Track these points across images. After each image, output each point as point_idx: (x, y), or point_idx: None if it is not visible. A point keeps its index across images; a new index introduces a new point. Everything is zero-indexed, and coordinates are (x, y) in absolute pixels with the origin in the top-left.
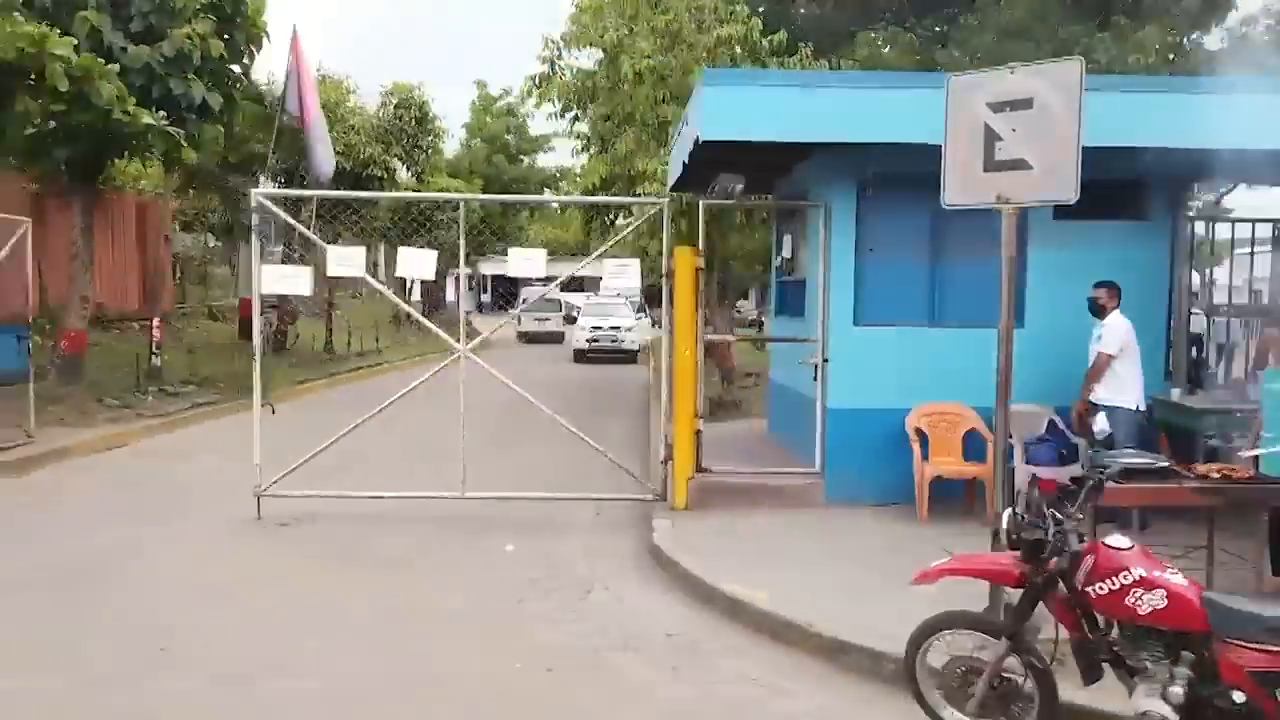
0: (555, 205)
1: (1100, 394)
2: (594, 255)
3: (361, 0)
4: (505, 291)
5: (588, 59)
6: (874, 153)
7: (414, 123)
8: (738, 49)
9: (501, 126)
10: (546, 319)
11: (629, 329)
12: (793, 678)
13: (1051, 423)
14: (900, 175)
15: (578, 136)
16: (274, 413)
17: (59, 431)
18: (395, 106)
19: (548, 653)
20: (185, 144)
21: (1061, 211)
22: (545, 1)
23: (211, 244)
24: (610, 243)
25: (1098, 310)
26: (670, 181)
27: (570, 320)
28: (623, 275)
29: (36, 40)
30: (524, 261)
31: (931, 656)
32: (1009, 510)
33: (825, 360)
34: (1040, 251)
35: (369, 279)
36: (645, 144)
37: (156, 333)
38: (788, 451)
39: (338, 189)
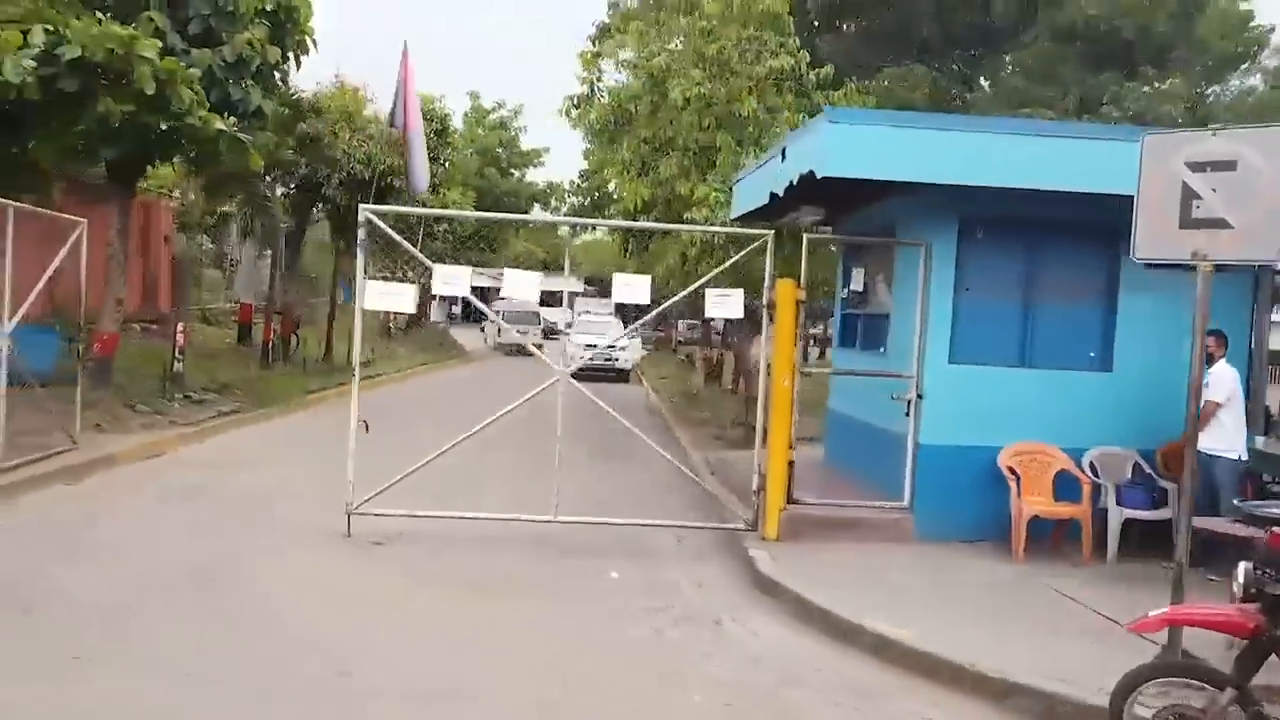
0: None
1: (1204, 442)
2: (698, 283)
3: (381, 11)
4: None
5: (617, 78)
6: (976, 194)
7: (434, 135)
8: (786, 82)
9: (494, 139)
10: (525, 332)
11: (623, 348)
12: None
13: (1137, 465)
14: (998, 218)
15: (589, 158)
16: (368, 431)
17: (100, 438)
18: None
19: (716, 688)
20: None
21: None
22: (542, 17)
23: (205, 245)
24: (716, 270)
25: (1206, 358)
26: (737, 211)
27: (549, 334)
28: (724, 305)
29: (125, 42)
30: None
31: (1138, 706)
32: (1244, 565)
33: (919, 396)
34: (1130, 299)
35: (472, 299)
36: (687, 169)
37: (180, 338)
38: (852, 483)
39: (356, 199)
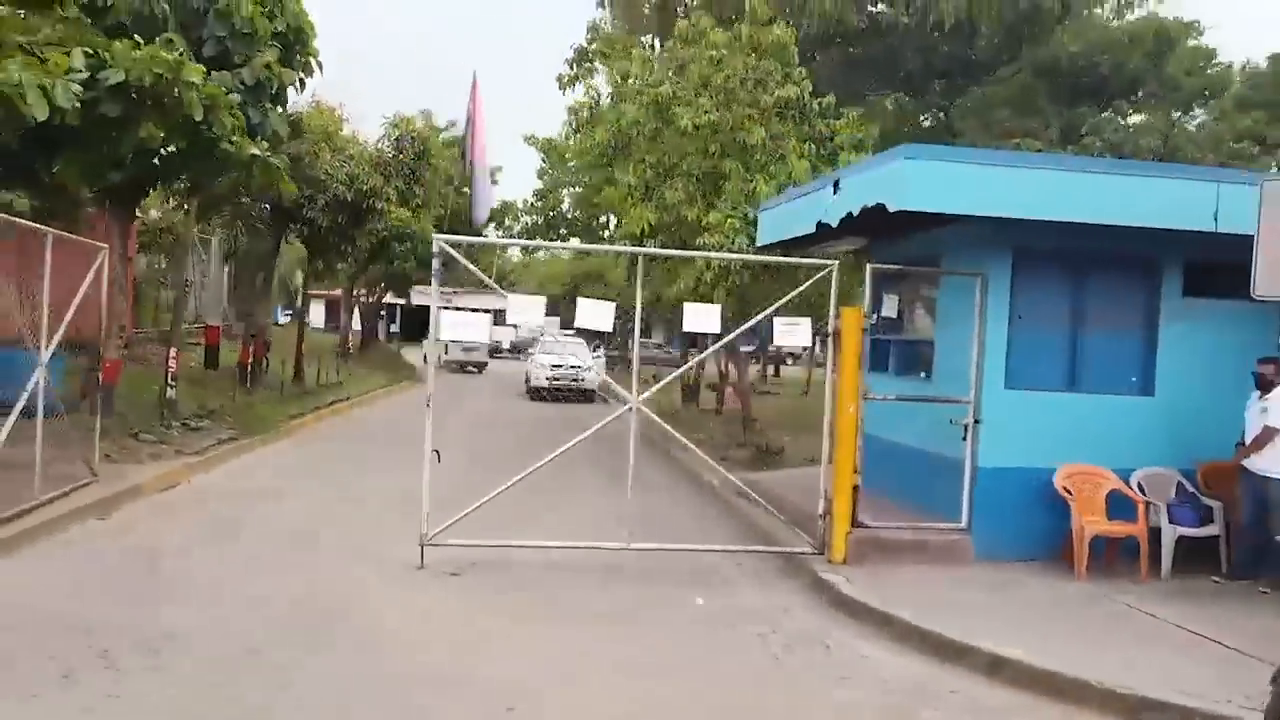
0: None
1: (1258, 464)
2: (768, 311)
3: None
4: (419, 321)
5: (605, 102)
6: (1028, 227)
7: (414, 157)
8: (791, 111)
9: (447, 157)
10: (474, 349)
11: (588, 368)
12: None
13: (1180, 484)
14: (1048, 250)
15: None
16: (439, 460)
17: (113, 468)
18: (397, 139)
19: (858, 710)
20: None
21: (1190, 289)
22: (476, 33)
23: (158, 266)
24: (785, 300)
25: (1264, 384)
26: (766, 239)
27: (495, 353)
28: (793, 333)
29: (173, 67)
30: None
31: None
32: None
33: (976, 421)
34: (1169, 327)
35: (544, 327)
36: (692, 195)
37: (173, 364)
38: (893, 505)
39: (338, 220)
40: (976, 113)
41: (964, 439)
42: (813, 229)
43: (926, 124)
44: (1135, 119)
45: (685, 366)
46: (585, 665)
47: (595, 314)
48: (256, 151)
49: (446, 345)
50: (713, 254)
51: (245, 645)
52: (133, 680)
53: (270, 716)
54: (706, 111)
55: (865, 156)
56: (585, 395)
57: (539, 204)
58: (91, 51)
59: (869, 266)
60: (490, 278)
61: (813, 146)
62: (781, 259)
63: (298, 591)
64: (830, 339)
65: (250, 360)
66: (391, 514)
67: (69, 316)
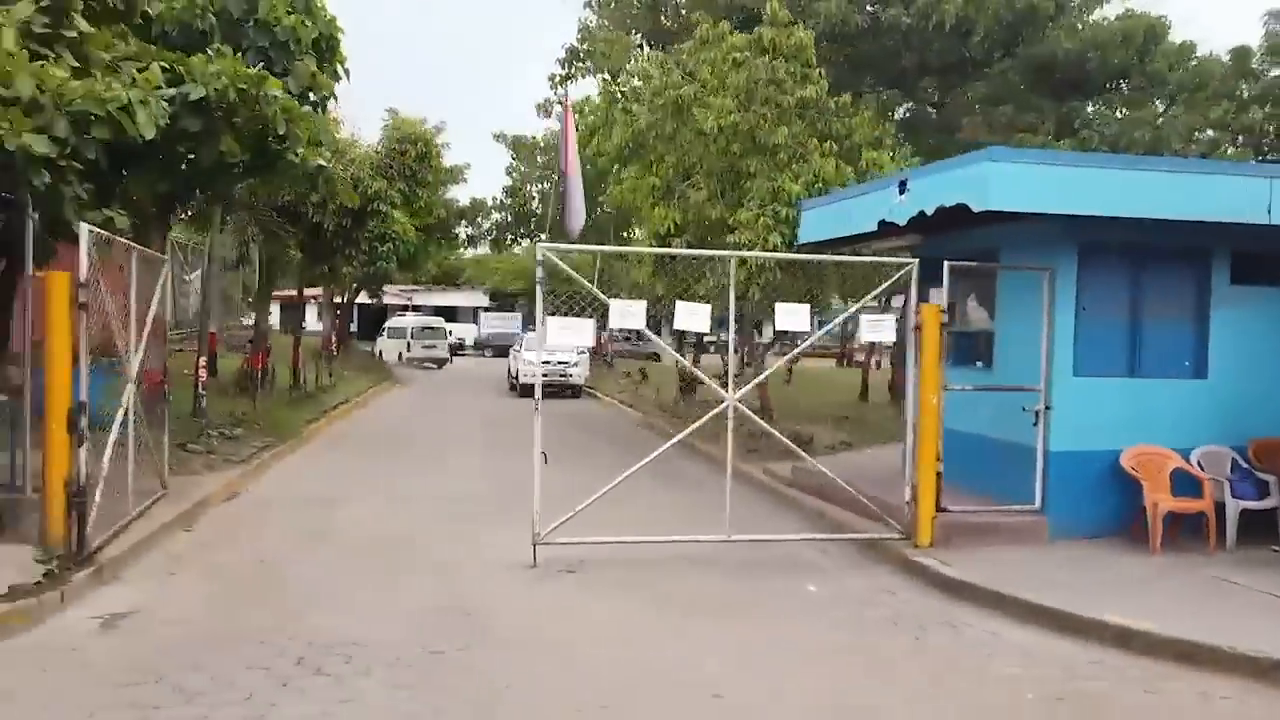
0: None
1: None
2: (851, 310)
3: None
4: (374, 320)
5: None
6: (1092, 222)
7: (416, 159)
8: (810, 110)
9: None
10: (433, 346)
11: (575, 364)
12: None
13: (1234, 460)
14: (1111, 244)
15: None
16: (547, 462)
17: (175, 480)
18: (398, 141)
19: (1020, 684)
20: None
21: (1238, 277)
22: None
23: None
24: (869, 298)
25: None
26: (811, 237)
27: (458, 349)
28: (880, 329)
29: (255, 81)
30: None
31: None
32: None
33: (1047, 408)
34: (1220, 312)
35: (648, 333)
36: (714, 194)
37: (203, 373)
38: (950, 489)
39: (342, 223)
40: (969, 109)
41: (1034, 425)
42: (873, 227)
43: (924, 119)
44: (1123, 113)
45: (785, 359)
46: (751, 652)
47: (692, 316)
48: (322, 162)
49: (409, 343)
50: (798, 255)
51: (423, 647)
52: (353, 685)
53: (501, 705)
54: (730, 112)
55: (883, 154)
56: (573, 391)
57: (509, 201)
58: (167, 66)
59: (945, 264)
60: (439, 273)
61: (832, 145)
62: (860, 258)
63: (430, 596)
64: (911, 334)
65: (260, 366)
66: (457, 516)
67: (147, 329)
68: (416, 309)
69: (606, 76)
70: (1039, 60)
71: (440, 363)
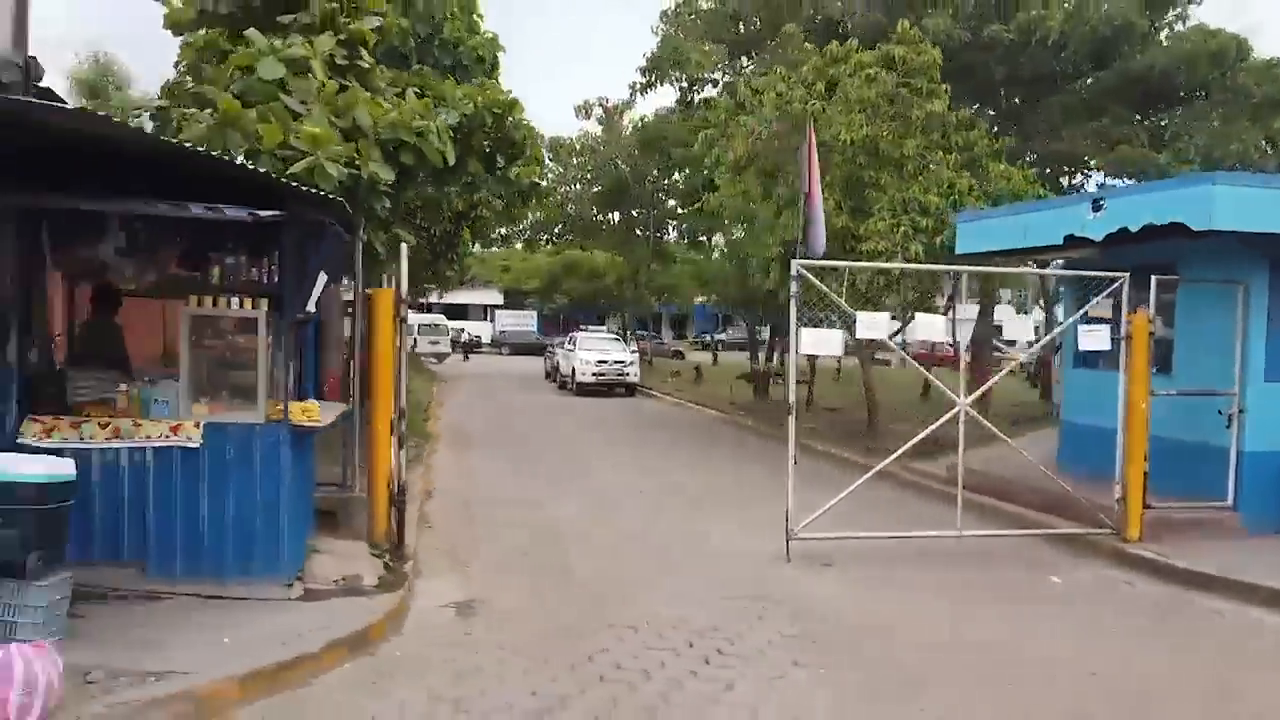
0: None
1: None
2: (1069, 321)
3: None
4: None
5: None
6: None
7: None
8: (935, 124)
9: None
10: (437, 342)
11: (631, 363)
12: None
13: None
14: None
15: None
16: (796, 463)
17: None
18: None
19: None
20: None
21: None
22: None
23: None
24: (1080, 311)
25: None
26: (970, 247)
27: (474, 348)
28: (1095, 338)
29: (508, 105)
30: (872, 325)
31: None
32: None
33: (1241, 411)
34: None
35: (892, 344)
36: (840, 204)
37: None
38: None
39: (449, 227)
40: (1053, 121)
41: (1227, 427)
42: (1059, 241)
43: (1005, 131)
44: (1214, 125)
45: (1007, 368)
46: (1062, 634)
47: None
48: (537, 180)
49: (415, 339)
50: (1027, 270)
51: (779, 632)
52: (752, 662)
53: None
54: (861, 126)
55: (1003, 166)
56: (627, 389)
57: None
58: (420, 92)
59: (1153, 278)
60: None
61: (956, 157)
62: (1073, 272)
63: (720, 585)
64: (1122, 343)
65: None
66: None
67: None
68: (429, 307)
69: (685, 85)
70: (1132, 74)
71: (441, 357)
